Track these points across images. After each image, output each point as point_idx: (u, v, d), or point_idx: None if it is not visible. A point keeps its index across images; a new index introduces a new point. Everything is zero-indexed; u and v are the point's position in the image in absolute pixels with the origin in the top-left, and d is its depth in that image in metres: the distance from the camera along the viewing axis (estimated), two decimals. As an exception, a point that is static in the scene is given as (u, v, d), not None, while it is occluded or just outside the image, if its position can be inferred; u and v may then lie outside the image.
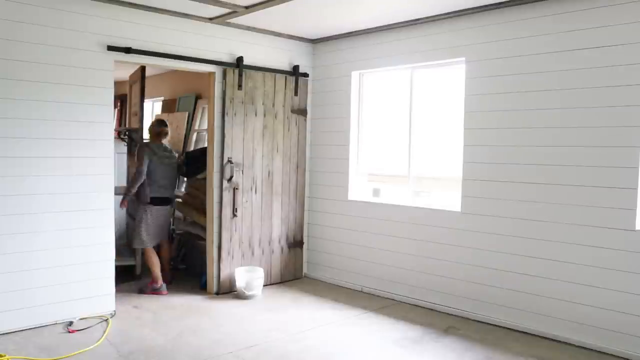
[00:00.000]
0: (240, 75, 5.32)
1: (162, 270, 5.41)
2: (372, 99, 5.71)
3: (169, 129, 5.61)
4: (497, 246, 4.48)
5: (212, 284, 5.35)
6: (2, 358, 3.54)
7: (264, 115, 5.59)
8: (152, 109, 9.33)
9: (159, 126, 5.52)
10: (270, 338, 4.16)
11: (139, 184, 5.20)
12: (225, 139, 5.28)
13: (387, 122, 5.65)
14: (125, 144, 6.39)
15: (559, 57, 4.09)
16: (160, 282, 5.28)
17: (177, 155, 5.77)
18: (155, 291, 5.24)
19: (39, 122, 4.14)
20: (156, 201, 5.31)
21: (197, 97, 7.77)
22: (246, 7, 4.58)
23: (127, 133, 6.47)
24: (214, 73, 5.22)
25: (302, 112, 5.96)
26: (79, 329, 4.18)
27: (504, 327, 4.42)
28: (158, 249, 5.57)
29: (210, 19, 5.00)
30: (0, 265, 4.00)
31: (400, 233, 5.21)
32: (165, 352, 3.84)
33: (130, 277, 5.74)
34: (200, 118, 7.68)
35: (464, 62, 4.69)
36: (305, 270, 6.15)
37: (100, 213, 4.50)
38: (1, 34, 3.93)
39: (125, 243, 6.10)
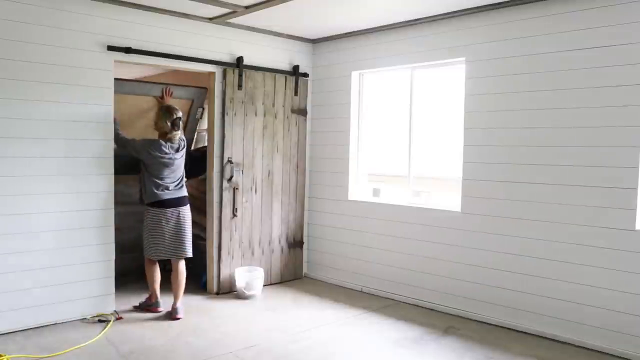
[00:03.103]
0: (240, 75, 5.32)
1: (175, 297, 4.65)
2: (372, 99, 5.71)
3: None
4: (497, 246, 4.48)
5: (212, 284, 5.35)
6: (3, 358, 3.54)
7: (264, 115, 5.59)
8: (152, 109, 9.31)
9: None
10: (270, 338, 4.16)
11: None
12: (225, 139, 5.28)
13: (387, 122, 5.65)
14: None
15: (559, 57, 4.09)
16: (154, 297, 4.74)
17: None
18: (149, 307, 4.72)
19: (38, 122, 4.13)
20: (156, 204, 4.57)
21: (197, 97, 7.76)
22: (246, 7, 4.58)
23: None
24: (214, 73, 5.22)
25: (302, 112, 5.96)
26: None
27: (504, 327, 4.42)
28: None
29: (210, 19, 5.00)
30: (0, 265, 4.00)
31: (400, 233, 5.20)
32: (165, 352, 3.84)
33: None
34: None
35: (464, 62, 4.69)
36: (305, 270, 6.15)
37: (100, 213, 4.50)
38: (1, 34, 3.93)
39: None
